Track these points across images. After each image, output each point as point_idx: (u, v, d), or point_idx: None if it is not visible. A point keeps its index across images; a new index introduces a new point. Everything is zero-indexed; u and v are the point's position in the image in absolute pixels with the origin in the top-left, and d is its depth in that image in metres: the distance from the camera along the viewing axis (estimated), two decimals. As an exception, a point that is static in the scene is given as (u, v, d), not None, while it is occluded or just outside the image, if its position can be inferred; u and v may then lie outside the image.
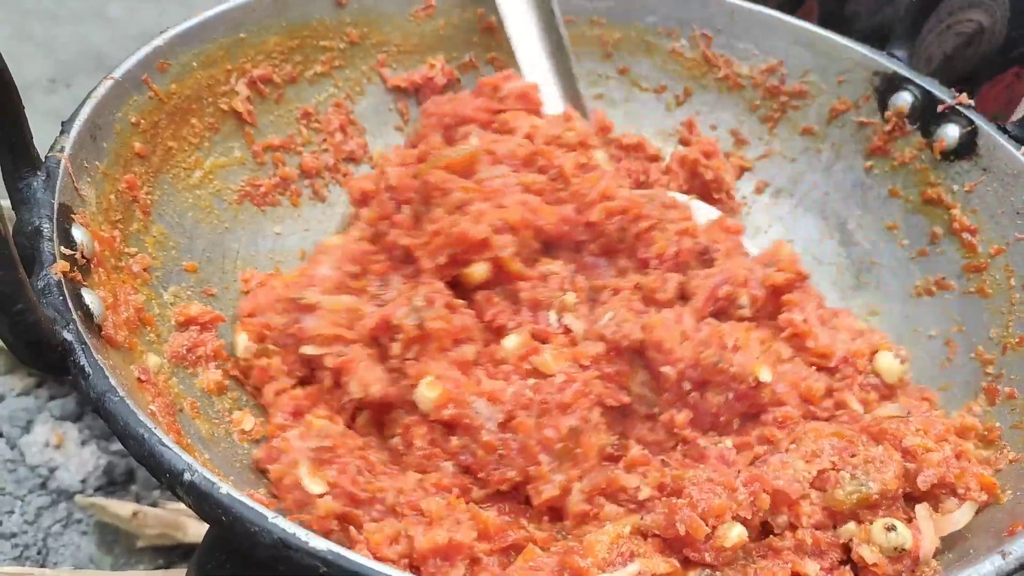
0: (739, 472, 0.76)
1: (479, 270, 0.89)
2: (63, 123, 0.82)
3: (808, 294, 0.95)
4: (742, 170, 1.21)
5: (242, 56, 1.03)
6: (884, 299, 1.07)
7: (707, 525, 0.71)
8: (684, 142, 1.22)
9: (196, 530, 1.33)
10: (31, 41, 2.33)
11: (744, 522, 0.72)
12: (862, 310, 1.08)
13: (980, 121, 1.02)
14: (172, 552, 1.35)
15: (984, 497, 0.75)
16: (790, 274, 0.93)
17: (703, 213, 1.07)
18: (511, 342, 0.86)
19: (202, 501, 0.59)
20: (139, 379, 0.73)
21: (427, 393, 0.80)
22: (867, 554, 0.71)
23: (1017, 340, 0.90)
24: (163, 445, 0.61)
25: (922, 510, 0.75)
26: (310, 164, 1.10)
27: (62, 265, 0.69)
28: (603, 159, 1.05)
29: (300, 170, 1.09)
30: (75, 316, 0.67)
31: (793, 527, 0.74)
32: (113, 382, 0.64)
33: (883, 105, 1.11)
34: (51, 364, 0.66)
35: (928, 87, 1.06)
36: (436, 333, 0.83)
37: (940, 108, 1.05)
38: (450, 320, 0.84)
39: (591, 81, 1.25)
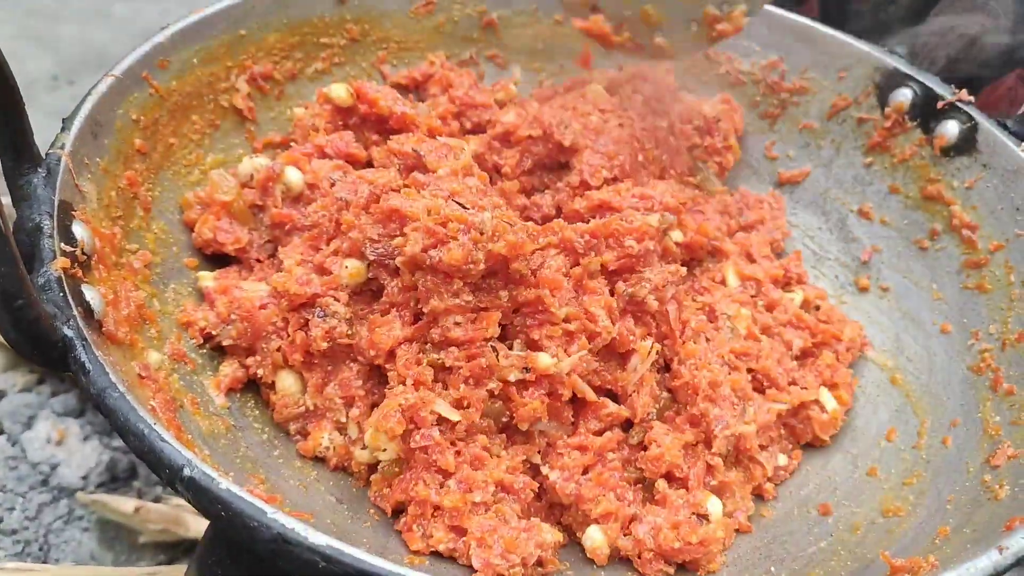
0: None
1: None
2: (64, 120, 0.82)
3: None
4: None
5: (243, 53, 1.03)
6: (883, 294, 1.07)
7: None
8: None
9: (198, 526, 1.33)
10: (34, 39, 2.33)
11: None
12: (861, 304, 1.08)
13: (980, 117, 1.02)
14: (174, 548, 1.36)
15: None
16: None
17: None
18: None
19: (201, 496, 0.59)
20: (140, 375, 0.73)
21: None
22: None
23: (1016, 336, 0.90)
24: (163, 441, 0.61)
25: None
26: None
27: (62, 262, 0.70)
28: None
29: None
30: (75, 312, 0.67)
31: None
32: (113, 378, 0.64)
33: (883, 101, 1.11)
34: (52, 360, 0.66)
35: (928, 83, 1.06)
36: None
37: (940, 104, 1.05)
38: None
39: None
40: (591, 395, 0.86)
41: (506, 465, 0.82)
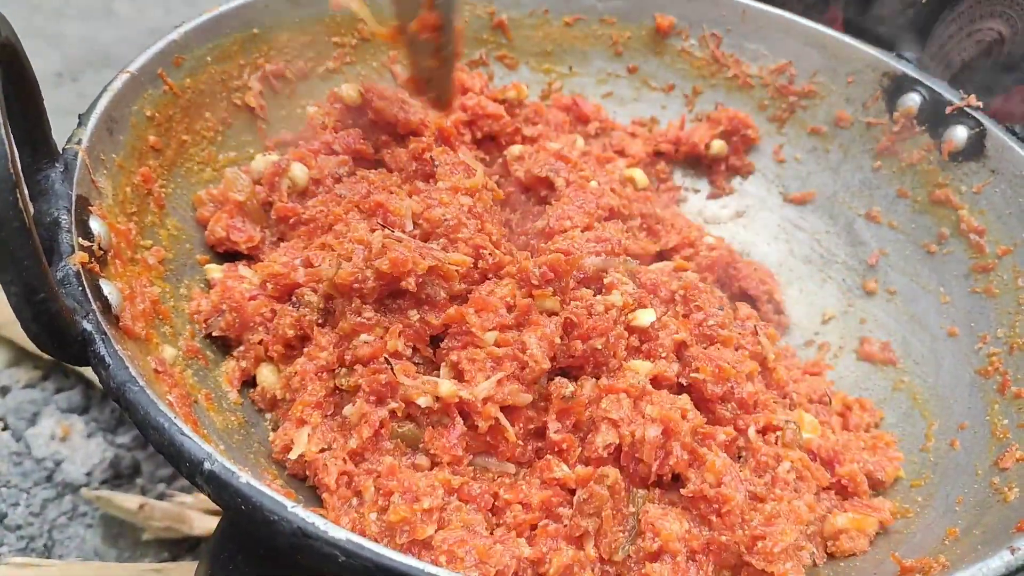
0: None
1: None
2: (80, 116, 0.82)
3: None
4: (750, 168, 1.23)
5: (255, 51, 1.04)
6: (891, 297, 1.08)
7: None
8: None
9: (202, 523, 1.33)
10: (38, 36, 2.33)
11: None
12: (869, 308, 1.09)
13: (988, 123, 1.02)
14: (178, 545, 1.36)
15: None
16: None
17: None
18: None
19: (222, 490, 0.59)
20: (156, 370, 0.74)
21: None
22: None
23: (1024, 340, 0.91)
24: (183, 435, 0.61)
25: None
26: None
27: (81, 256, 0.70)
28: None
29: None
30: (94, 307, 0.68)
31: None
32: (133, 372, 0.65)
33: (891, 106, 1.12)
34: (71, 354, 0.66)
35: (937, 88, 1.07)
36: None
37: (948, 110, 1.06)
38: None
39: (600, 80, 1.26)
40: (510, 433, 0.79)
41: (460, 481, 0.77)
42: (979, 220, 1.01)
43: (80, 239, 0.72)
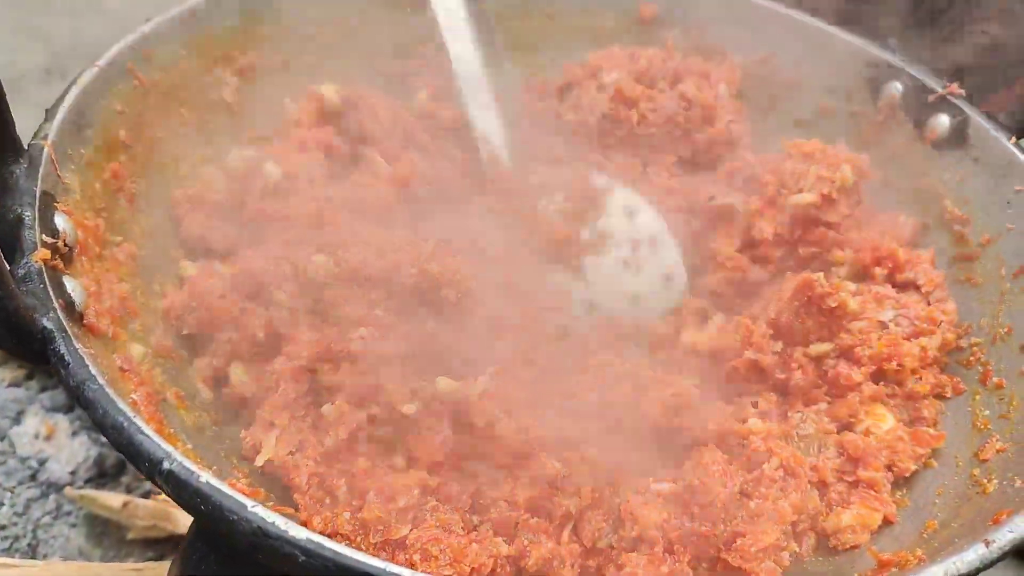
0: None
1: None
2: (47, 110, 0.81)
3: None
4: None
5: (231, 44, 1.02)
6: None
7: None
8: None
9: (186, 522, 1.32)
10: (26, 32, 2.32)
11: None
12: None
13: (971, 111, 1.01)
14: (162, 544, 1.35)
15: None
16: None
17: None
18: None
19: (181, 490, 0.58)
20: (121, 368, 0.73)
21: None
22: None
23: (1006, 330, 0.90)
24: (142, 434, 0.60)
25: None
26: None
27: (43, 253, 0.69)
28: None
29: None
30: (56, 304, 0.67)
31: None
32: (93, 370, 0.64)
33: (875, 95, 1.10)
34: (32, 352, 0.65)
35: (920, 77, 1.06)
36: None
37: (931, 98, 1.04)
38: None
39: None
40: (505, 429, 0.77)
41: (437, 481, 0.76)
42: (962, 209, 1.00)
43: (44, 236, 0.71)
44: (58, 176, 0.77)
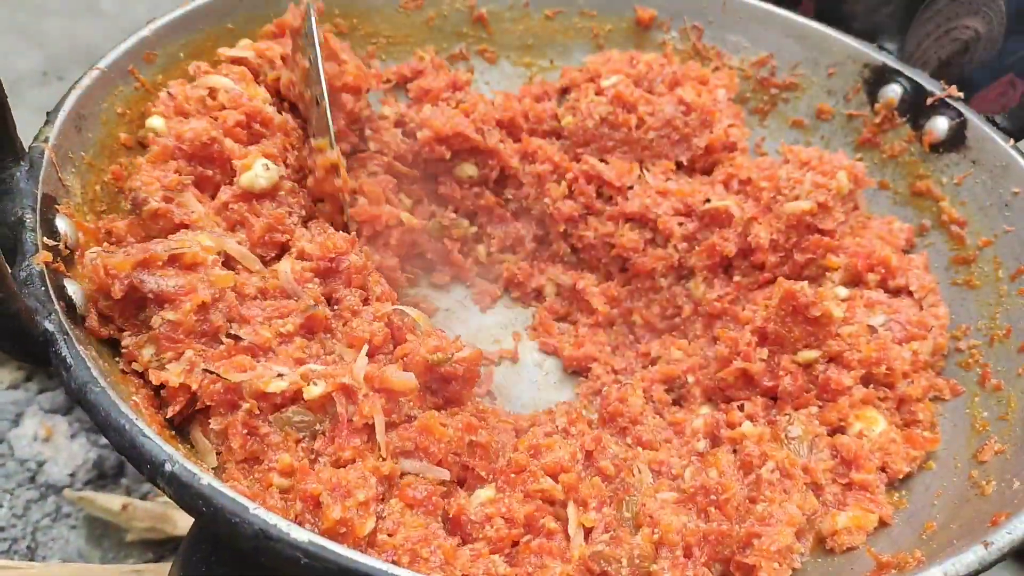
0: None
1: None
2: (48, 113, 0.81)
3: None
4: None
5: (229, 47, 1.02)
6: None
7: None
8: None
9: (185, 523, 1.33)
10: (22, 35, 2.32)
11: None
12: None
13: (969, 113, 1.01)
14: (162, 545, 1.35)
15: None
16: None
17: None
18: None
19: (183, 492, 0.58)
20: (123, 370, 0.73)
21: None
22: None
23: (1004, 332, 0.90)
24: (144, 436, 0.60)
25: None
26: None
27: (44, 255, 0.69)
28: None
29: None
30: (57, 307, 0.67)
31: None
32: (95, 372, 0.64)
33: (873, 97, 1.11)
34: (33, 355, 0.65)
35: (918, 79, 1.06)
36: None
37: (929, 100, 1.05)
38: None
39: (581, 73, 1.25)
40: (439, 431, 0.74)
41: (389, 467, 0.72)
42: (960, 211, 1.01)
43: (45, 238, 0.71)
44: (59, 178, 0.77)
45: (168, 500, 1.34)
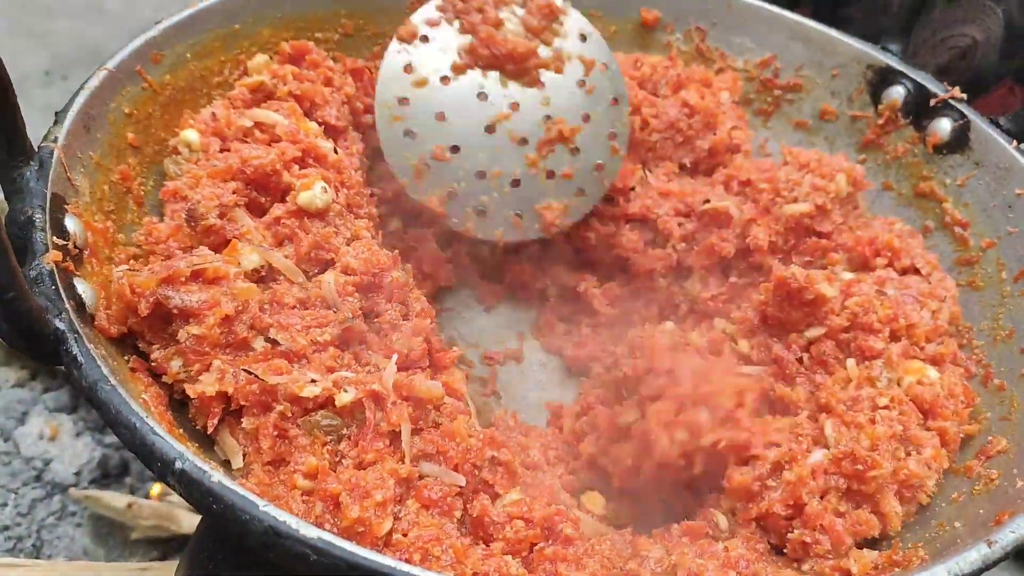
0: None
1: None
2: (57, 113, 0.82)
3: None
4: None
5: (236, 47, 1.03)
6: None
7: None
8: None
9: (190, 522, 1.33)
10: (27, 34, 2.32)
11: None
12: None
13: (973, 115, 1.02)
14: (166, 544, 1.36)
15: None
16: None
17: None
18: None
19: (193, 489, 0.59)
20: (132, 369, 0.73)
21: None
22: None
23: (1007, 333, 0.91)
24: (155, 434, 0.61)
25: None
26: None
27: (54, 255, 0.69)
28: None
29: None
30: (67, 305, 0.67)
31: None
32: (105, 371, 0.64)
33: (876, 99, 1.11)
34: (44, 353, 0.66)
35: (921, 81, 1.07)
36: None
37: (933, 102, 1.05)
38: None
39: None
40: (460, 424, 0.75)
41: (407, 470, 0.72)
42: (963, 213, 1.01)
43: (55, 238, 0.72)
44: (68, 178, 0.78)
45: (173, 499, 1.35)
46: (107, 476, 1.42)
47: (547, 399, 1.09)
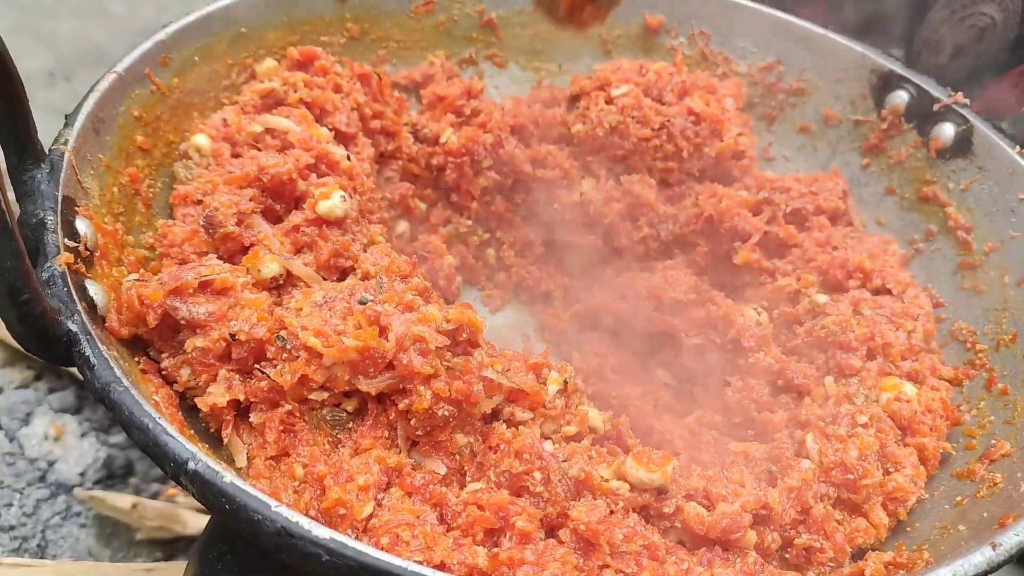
0: None
1: None
2: (67, 116, 0.82)
3: None
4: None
5: (243, 50, 1.04)
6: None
7: None
8: None
9: (195, 522, 1.33)
10: (31, 35, 2.33)
11: None
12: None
13: (976, 120, 1.03)
14: (171, 544, 1.36)
15: None
16: None
17: None
18: None
19: (206, 490, 0.59)
20: (142, 370, 0.74)
21: None
22: None
23: (1010, 337, 0.91)
24: (167, 435, 0.61)
25: None
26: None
27: (66, 256, 0.70)
28: None
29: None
30: (79, 307, 0.68)
31: None
32: (117, 372, 0.65)
33: (880, 103, 1.12)
34: (56, 355, 0.66)
35: (925, 86, 1.07)
36: None
37: (936, 107, 1.06)
38: None
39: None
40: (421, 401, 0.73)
41: (396, 459, 0.74)
42: (966, 217, 1.02)
43: (66, 240, 0.72)
44: (78, 181, 0.79)
45: (178, 499, 1.35)
46: (112, 477, 1.42)
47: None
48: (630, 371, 1.06)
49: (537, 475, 0.73)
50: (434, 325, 0.74)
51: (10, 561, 1.25)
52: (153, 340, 0.76)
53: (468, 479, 0.76)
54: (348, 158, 0.95)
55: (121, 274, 0.79)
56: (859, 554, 0.78)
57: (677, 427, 0.94)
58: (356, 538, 0.64)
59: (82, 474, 1.40)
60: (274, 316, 0.75)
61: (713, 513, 0.73)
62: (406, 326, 0.73)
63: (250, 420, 0.74)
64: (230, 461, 0.75)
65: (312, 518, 0.61)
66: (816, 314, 0.98)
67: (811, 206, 1.06)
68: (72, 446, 1.43)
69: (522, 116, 1.14)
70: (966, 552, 0.66)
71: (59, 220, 0.73)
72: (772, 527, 0.76)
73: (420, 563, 0.60)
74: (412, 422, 0.74)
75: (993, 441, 0.83)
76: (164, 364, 0.76)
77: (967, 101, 1.04)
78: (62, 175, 0.76)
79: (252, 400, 0.74)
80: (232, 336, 0.74)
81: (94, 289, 0.72)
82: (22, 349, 0.65)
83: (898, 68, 1.10)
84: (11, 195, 0.76)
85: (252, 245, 0.83)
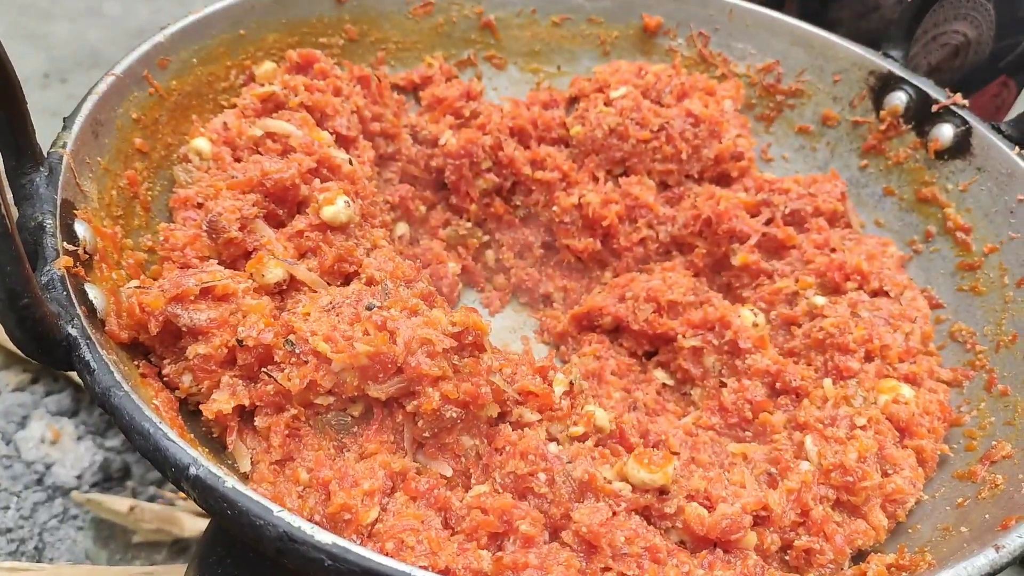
0: None
1: None
2: (65, 119, 0.82)
3: None
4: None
5: (242, 52, 1.03)
6: (878, 297, 1.08)
7: None
8: None
9: (192, 525, 1.33)
10: (25, 37, 2.32)
11: None
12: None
13: (974, 121, 1.03)
14: (168, 547, 1.36)
15: None
16: None
17: None
18: None
19: (207, 495, 0.59)
20: (142, 374, 0.73)
21: None
22: None
23: (1010, 338, 0.91)
24: (168, 439, 0.61)
25: None
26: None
27: (65, 260, 0.70)
28: None
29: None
30: (79, 311, 0.67)
31: None
32: (117, 376, 0.64)
33: (878, 104, 1.12)
34: (56, 359, 0.66)
35: (923, 87, 1.07)
36: None
37: (934, 108, 1.06)
38: None
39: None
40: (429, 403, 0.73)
41: (401, 464, 0.74)
42: (965, 218, 1.02)
43: (65, 243, 0.72)
44: (77, 184, 0.78)
45: (175, 502, 1.35)
46: (109, 480, 1.42)
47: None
48: (628, 372, 1.06)
49: (542, 476, 0.73)
50: (440, 328, 0.74)
51: (7, 565, 1.25)
52: (154, 347, 0.76)
53: (473, 482, 0.76)
54: (350, 162, 0.95)
55: (120, 277, 0.79)
56: (859, 556, 0.78)
57: (674, 428, 0.94)
58: (361, 543, 0.65)
59: (79, 477, 1.40)
60: (280, 321, 0.75)
61: (714, 514, 0.73)
62: (413, 330, 0.73)
63: (255, 424, 0.74)
64: (232, 466, 0.75)
65: (317, 523, 0.62)
66: (814, 316, 0.98)
67: (810, 207, 1.06)
68: (69, 449, 1.43)
69: (521, 118, 1.14)
70: (969, 554, 0.66)
71: (58, 223, 0.72)
72: (772, 529, 0.76)
73: (425, 568, 0.59)
74: (419, 424, 0.74)
75: (994, 442, 0.83)
76: (166, 371, 0.76)
77: (966, 102, 1.04)
78: (61, 178, 0.75)
79: (257, 404, 0.74)
80: (239, 342, 0.74)
81: (93, 293, 0.72)
82: (21, 353, 0.65)
83: (896, 69, 1.10)
84: (10, 198, 0.76)
85: (255, 250, 0.83)
